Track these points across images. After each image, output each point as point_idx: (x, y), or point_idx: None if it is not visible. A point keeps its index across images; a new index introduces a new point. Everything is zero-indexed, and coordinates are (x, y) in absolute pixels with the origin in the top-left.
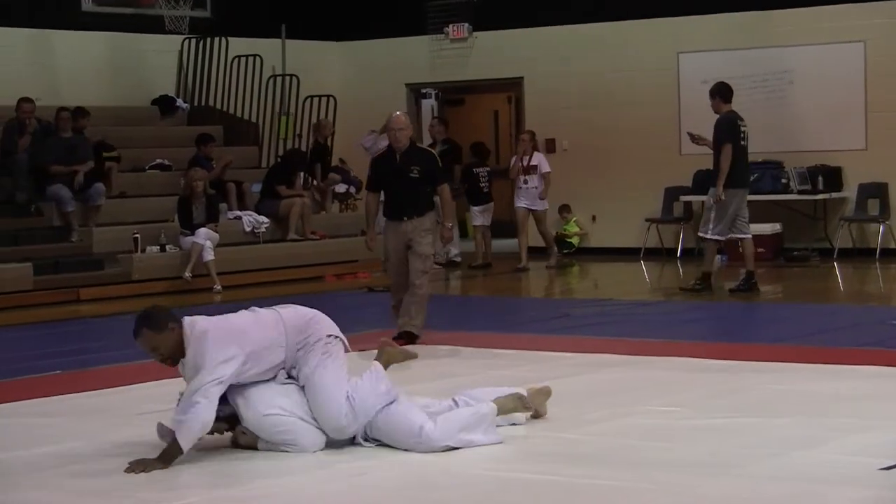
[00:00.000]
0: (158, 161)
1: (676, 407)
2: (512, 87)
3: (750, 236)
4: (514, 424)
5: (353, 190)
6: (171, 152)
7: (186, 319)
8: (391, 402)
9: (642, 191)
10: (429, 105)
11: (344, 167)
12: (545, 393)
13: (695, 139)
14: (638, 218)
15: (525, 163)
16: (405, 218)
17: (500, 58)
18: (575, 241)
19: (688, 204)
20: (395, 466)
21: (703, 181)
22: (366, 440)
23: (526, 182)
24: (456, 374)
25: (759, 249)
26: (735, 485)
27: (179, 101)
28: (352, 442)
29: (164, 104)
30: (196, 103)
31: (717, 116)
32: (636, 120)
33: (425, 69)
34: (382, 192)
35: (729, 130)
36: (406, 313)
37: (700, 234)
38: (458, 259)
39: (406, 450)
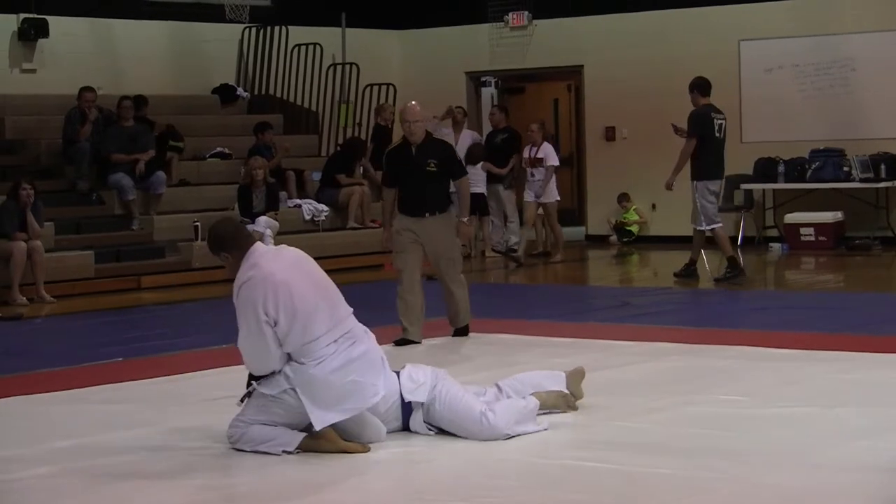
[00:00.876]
0: (219, 149)
1: (739, 396)
2: (572, 76)
3: (706, 230)
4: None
5: None
6: (232, 141)
7: (251, 254)
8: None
9: None
10: (488, 93)
11: None
12: (579, 374)
13: (677, 130)
14: None
15: (533, 154)
16: (426, 214)
17: (560, 46)
18: (635, 229)
19: (749, 192)
20: (453, 455)
21: (764, 169)
22: (429, 427)
23: (533, 175)
24: (516, 363)
25: (821, 238)
26: (799, 474)
27: (240, 90)
28: (407, 429)
29: (225, 93)
30: (256, 92)
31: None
32: None
33: (485, 57)
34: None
35: (699, 124)
36: (455, 315)
37: (701, 230)
38: (518, 247)
39: (464, 437)
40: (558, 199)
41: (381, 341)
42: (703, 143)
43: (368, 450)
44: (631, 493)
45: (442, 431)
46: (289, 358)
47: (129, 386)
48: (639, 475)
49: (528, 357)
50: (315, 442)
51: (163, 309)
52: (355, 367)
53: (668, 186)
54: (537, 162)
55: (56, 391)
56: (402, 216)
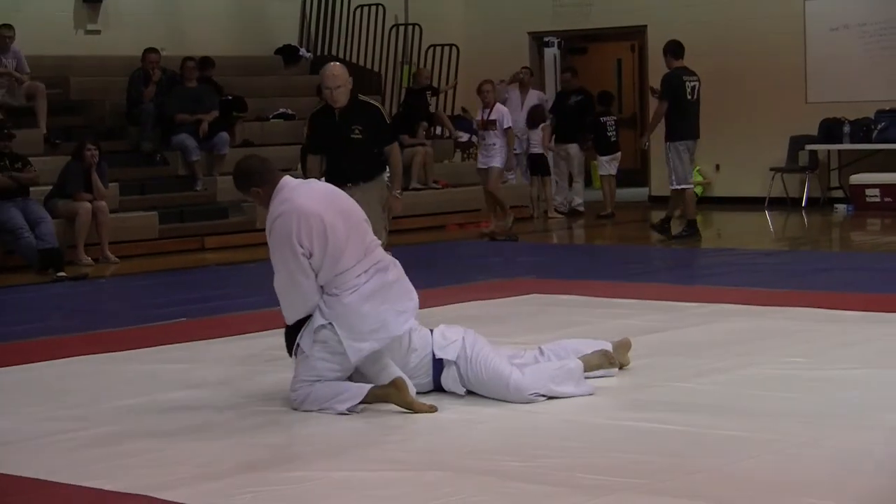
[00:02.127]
0: (282, 110)
1: (801, 357)
2: (635, 36)
3: (692, 187)
4: (606, 376)
5: (475, 139)
6: (295, 101)
7: (282, 188)
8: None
9: (767, 139)
10: (551, 54)
11: (466, 116)
12: (626, 345)
13: (653, 92)
14: (762, 167)
15: (485, 116)
16: (349, 184)
17: (624, 6)
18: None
19: (813, 153)
20: (512, 417)
21: (829, 130)
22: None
23: (484, 139)
24: (578, 323)
25: (887, 199)
26: (860, 436)
27: (302, 51)
28: (437, 388)
29: (288, 54)
30: (319, 53)
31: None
32: (761, 68)
33: (548, 17)
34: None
35: (670, 87)
36: None
37: (675, 188)
38: (582, 208)
39: (498, 399)
40: (501, 165)
41: (441, 300)
42: (675, 106)
43: (435, 410)
44: (692, 453)
45: (471, 392)
46: (322, 291)
47: (193, 346)
48: (700, 436)
49: (589, 318)
50: (383, 391)
51: (226, 269)
52: (388, 294)
53: (642, 146)
54: (490, 125)
55: (120, 351)
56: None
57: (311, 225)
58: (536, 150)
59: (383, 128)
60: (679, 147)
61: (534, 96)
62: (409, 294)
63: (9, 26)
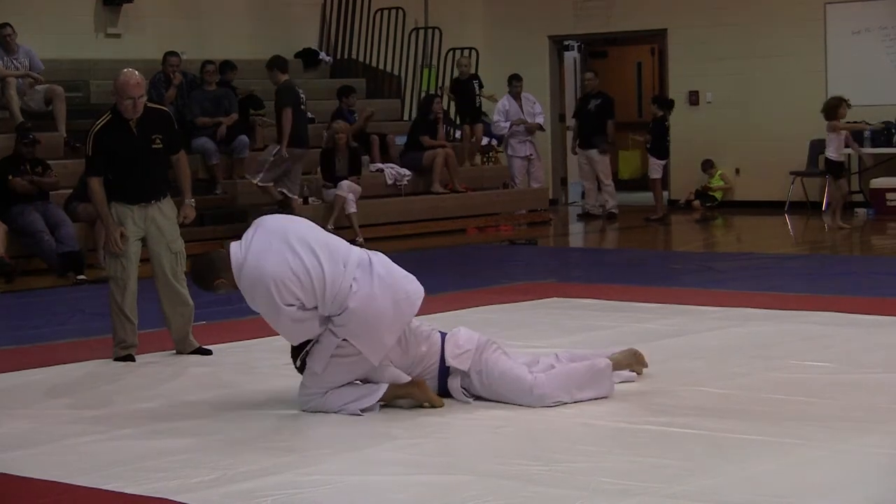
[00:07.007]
0: None
1: (824, 361)
2: (655, 39)
3: (297, 197)
4: (627, 382)
5: (494, 143)
6: (314, 105)
7: (238, 266)
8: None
9: (787, 143)
10: (571, 57)
11: (486, 120)
12: (636, 356)
13: (258, 106)
14: (782, 171)
15: None
16: (152, 201)
17: (644, 9)
18: (718, 194)
19: None
20: (534, 421)
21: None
22: (466, 393)
23: None
24: (599, 327)
25: None
26: (886, 440)
27: (322, 55)
28: (443, 393)
29: (308, 57)
30: (339, 56)
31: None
32: (782, 72)
33: (568, 21)
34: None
35: (289, 96)
36: (184, 330)
37: (253, 181)
38: (616, 210)
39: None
40: None
41: (461, 304)
42: (295, 114)
43: (442, 405)
44: (716, 458)
45: (479, 398)
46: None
47: (213, 349)
48: (724, 440)
49: (611, 321)
50: (405, 389)
51: None
52: (387, 280)
53: (282, 155)
54: None
55: (140, 354)
56: (122, 205)
57: (287, 284)
58: (833, 156)
59: (176, 133)
60: (292, 153)
61: (529, 100)
62: (408, 278)
63: (7, 25)
